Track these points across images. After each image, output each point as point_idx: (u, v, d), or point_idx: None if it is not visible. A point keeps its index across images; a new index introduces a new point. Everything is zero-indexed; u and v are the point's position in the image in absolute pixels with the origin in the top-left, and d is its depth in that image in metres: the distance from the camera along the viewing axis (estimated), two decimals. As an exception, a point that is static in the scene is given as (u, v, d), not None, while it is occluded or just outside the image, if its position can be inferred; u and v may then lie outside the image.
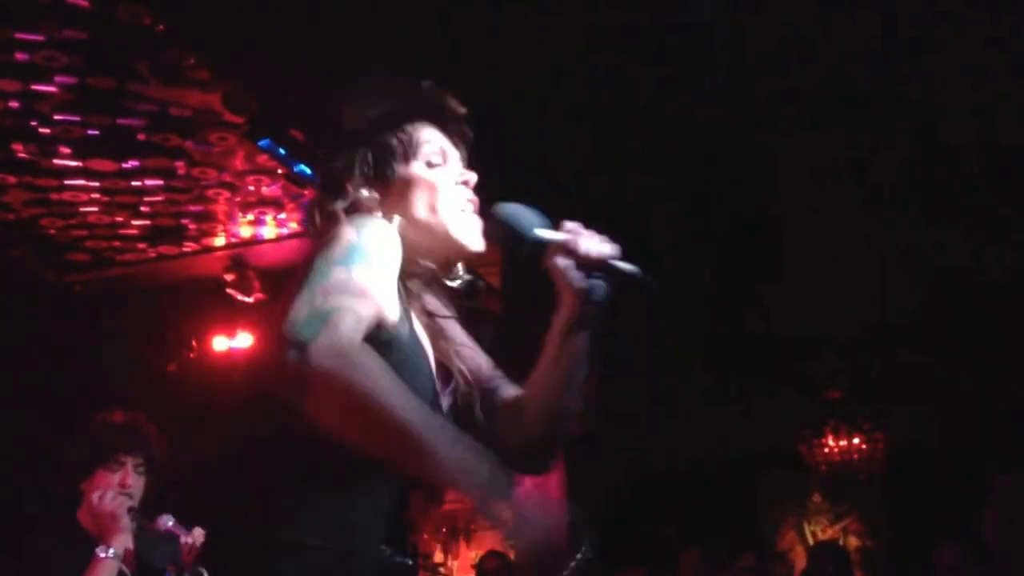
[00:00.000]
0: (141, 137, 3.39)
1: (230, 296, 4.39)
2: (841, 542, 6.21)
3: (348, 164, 1.36)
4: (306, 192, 3.47)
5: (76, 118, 3.24)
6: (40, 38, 2.84)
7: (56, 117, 3.22)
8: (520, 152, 3.52)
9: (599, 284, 1.31)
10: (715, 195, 4.07)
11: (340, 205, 1.32)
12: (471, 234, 1.37)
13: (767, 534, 6.78)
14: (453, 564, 7.24)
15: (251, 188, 3.83)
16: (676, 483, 6.36)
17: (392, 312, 1.22)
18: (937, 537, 3.26)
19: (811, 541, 6.51)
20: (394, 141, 1.38)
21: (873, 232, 4.30)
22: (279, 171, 3.59)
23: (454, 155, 1.42)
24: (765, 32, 3.18)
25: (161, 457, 2.30)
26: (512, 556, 5.97)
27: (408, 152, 1.38)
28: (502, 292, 4.18)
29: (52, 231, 4.04)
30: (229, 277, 4.37)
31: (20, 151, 3.43)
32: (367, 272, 1.16)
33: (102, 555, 2.09)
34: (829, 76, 3.38)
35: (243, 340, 4.62)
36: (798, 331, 5.18)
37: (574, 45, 3.18)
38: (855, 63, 3.31)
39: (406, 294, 1.32)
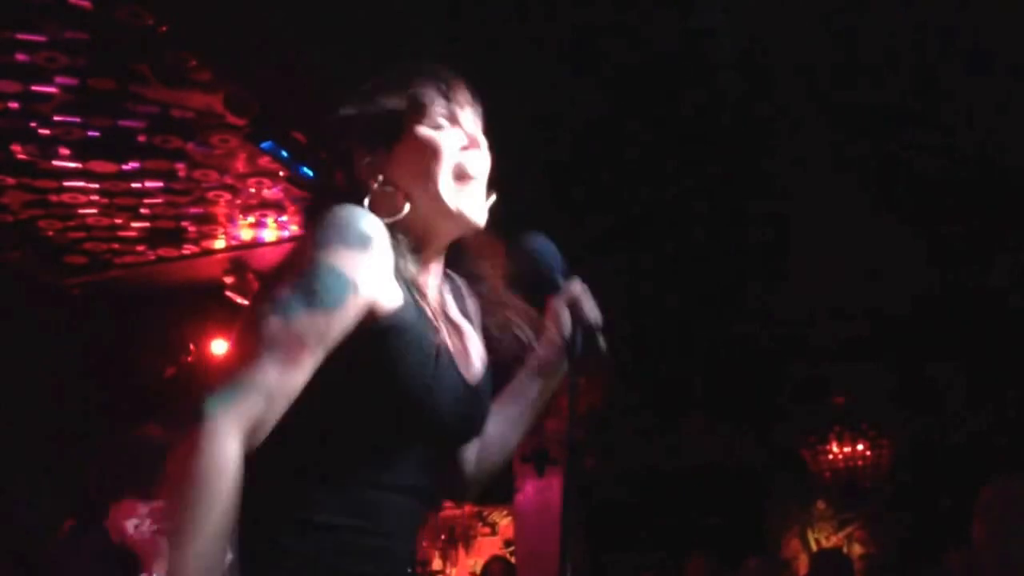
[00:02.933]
0: (142, 139, 3.36)
1: (230, 299, 4.37)
2: (845, 550, 6.19)
3: (349, 127, 1.28)
4: (308, 194, 3.45)
5: (76, 119, 3.22)
6: (41, 39, 2.81)
7: (56, 118, 3.20)
8: (526, 163, 3.51)
9: (583, 342, 1.33)
10: (719, 199, 4.06)
11: (343, 177, 1.26)
12: (473, 206, 1.27)
13: (771, 542, 6.77)
14: (452, 571, 7.22)
15: (252, 191, 3.81)
16: (680, 491, 6.35)
17: (388, 299, 1.15)
18: (943, 544, 3.25)
19: (815, 548, 6.50)
20: (397, 100, 1.29)
21: (878, 235, 4.29)
22: (281, 173, 3.57)
23: (466, 118, 1.29)
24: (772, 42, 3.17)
25: None
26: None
27: (412, 112, 1.27)
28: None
29: (50, 233, 4.01)
30: (229, 280, 4.35)
31: (19, 152, 3.40)
32: (311, 316, 1.08)
33: None
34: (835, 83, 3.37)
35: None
36: (801, 336, 5.17)
37: (575, 43, 3.17)
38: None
39: (417, 274, 1.23)
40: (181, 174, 3.64)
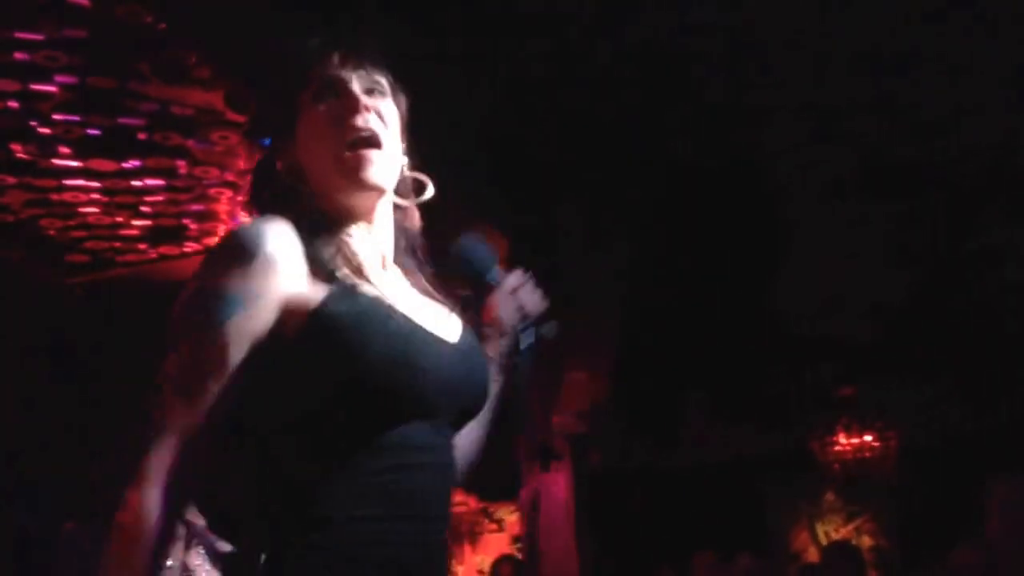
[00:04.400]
0: (142, 136, 3.35)
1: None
2: (854, 542, 6.18)
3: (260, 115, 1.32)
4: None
5: (76, 118, 3.20)
6: (40, 37, 2.80)
7: (56, 117, 3.18)
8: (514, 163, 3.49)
9: (528, 335, 1.36)
10: (721, 197, 4.05)
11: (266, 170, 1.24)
12: (357, 168, 1.20)
13: (780, 535, 6.76)
14: (459, 569, 7.20)
15: (253, 188, 3.80)
16: (687, 485, 6.34)
17: (309, 294, 1.13)
18: (951, 536, 3.23)
19: (824, 541, 6.48)
20: (283, 78, 1.26)
21: (880, 227, 4.27)
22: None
23: (357, 85, 1.22)
24: (765, 39, 3.15)
25: None
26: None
27: (297, 86, 1.22)
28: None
29: (52, 232, 4.00)
30: (231, 278, 4.33)
31: (19, 151, 3.39)
32: (195, 344, 1.11)
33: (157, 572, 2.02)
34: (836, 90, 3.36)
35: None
36: (808, 329, 5.16)
37: (573, 54, 3.16)
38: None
39: (347, 255, 1.20)
40: (182, 171, 3.63)
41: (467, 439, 1.35)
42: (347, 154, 1.20)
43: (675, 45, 3.14)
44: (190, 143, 3.42)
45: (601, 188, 3.86)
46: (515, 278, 1.39)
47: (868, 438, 5.74)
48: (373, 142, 1.22)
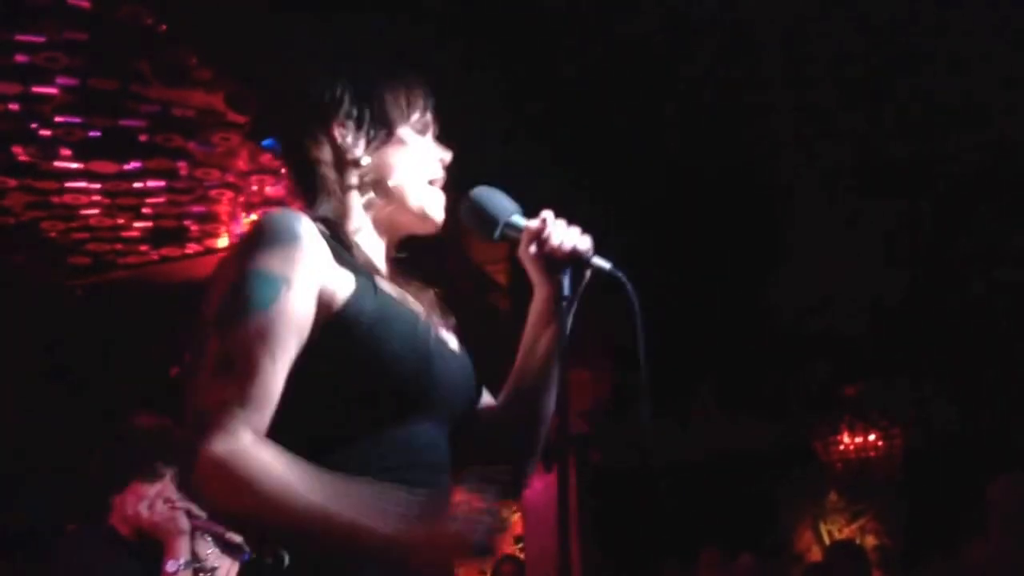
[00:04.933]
0: (143, 138, 3.34)
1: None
2: (858, 541, 6.16)
3: (334, 98, 1.28)
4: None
5: (77, 120, 3.20)
6: (41, 39, 2.80)
7: (57, 119, 3.18)
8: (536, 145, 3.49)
9: (567, 277, 1.25)
10: (722, 193, 4.04)
11: (315, 154, 1.26)
12: (438, 208, 1.32)
13: (784, 535, 6.74)
14: (460, 568, 7.22)
15: (254, 188, 3.79)
16: (690, 483, 6.33)
17: (339, 288, 1.15)
18: (956, 535, 3.22)
19: (828, 541, 6.47)
20: (394, 92, 1.30)
21: (884, 224, 4.27)
22: (283, 171, 3.54)
23: (431, 128, 1.35)
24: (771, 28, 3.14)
25: None
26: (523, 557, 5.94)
27: (405, 110, 1.30)
28: (510, 291, 4.14)
29: (53, 234, 4.00)
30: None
31: (21, 154, 3.39)
32: (246, 324, 1.08)
33: (172, 570, 1.98)
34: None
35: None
36: (811, 327, 5.15)
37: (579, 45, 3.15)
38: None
39: (372, 261, 1.25)
40: (183, 173, 3.62)
41: (519, 410, 1.33)
42: (430, 190, 1.31)
43: (671, 42, 3.14)
44: (191, 145, 3.42)
45: (598, 187, 3.85)
46: (540, 221, 1.28)
47: (872, 437, 5.72)
48: (443, 187, 1.34)
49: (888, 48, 3.20)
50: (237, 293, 1.11)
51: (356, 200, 1.28)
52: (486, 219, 1.30)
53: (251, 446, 1.05)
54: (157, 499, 2.06)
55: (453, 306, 1.35)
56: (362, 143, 1.29)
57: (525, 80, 3.28)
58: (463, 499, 1.08)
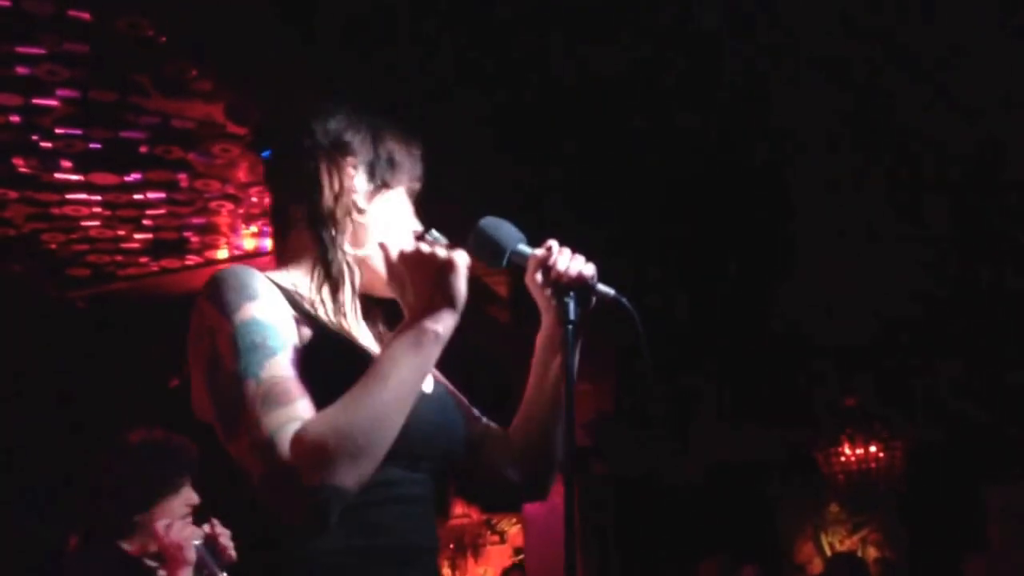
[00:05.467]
0: (143, 150, 3.34)
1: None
2: (860, 553, 6.13)
3: (356, 134, 1.32)
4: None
5: (78, 131, 3.20)
6: (41, 51, 2.80)
7: (57, 131, 3.18)
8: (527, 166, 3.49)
9: (573, 304, 1.28)
10: (727, 203, 4.03)
11: (320, 185, 1.28)
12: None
13: (784, 546, 6.71)
14: (461, 580, 7.17)
15: (254, 200, 3.79)
16: (691, 494, 6.31)
17: (300, 334, 1.18)
18: (958, 547, 3.21)
19: (829, 552, 6.43)
20: (393, 150, 1.33)
21: (888, 237, 4.26)
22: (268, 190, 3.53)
23: (410, 203, 1.38)
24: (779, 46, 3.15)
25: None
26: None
27: (399, 170, 1.34)
28: (510, 303, 4.14)
29: (53, 246, 4.00)
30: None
31: (21, 165, 3.39)
32: (273, 359, 1.12)
33: None
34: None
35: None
36: (811, 337, 5.13)
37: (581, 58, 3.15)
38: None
39: (334, 309, 1.27)
40: (183, 184, 3.62)
41: (531, 435, 1.36)
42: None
43: (679, 54, 3.14)
44: (191, 156, 3.42)
45: (603, 199, 3.85)
46: (545, 249, 1.32)
47: (873, 448, 5.69)
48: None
49: (903, 57, 3.20)
50: (249, 343, 1.13)
51: (339, 240, 1.30)
52: (493, 248, 1.33)
53: (306, 425, 1.08)
54: (176, 520, 2.07)
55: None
56: (366, 189, 1.32)
57: (526, 101, 3.28)
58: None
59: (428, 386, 1.28)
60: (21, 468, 3.93)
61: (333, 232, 1.28)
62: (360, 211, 1.30)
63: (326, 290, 1.27)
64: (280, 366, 1.11)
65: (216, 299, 1.18)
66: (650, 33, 3.02)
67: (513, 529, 7.40)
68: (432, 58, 2.99)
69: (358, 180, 1.31)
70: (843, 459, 5.73)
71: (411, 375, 1.10)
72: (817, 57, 3.17)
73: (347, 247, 1.30)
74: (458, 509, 7.12)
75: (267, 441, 1.06)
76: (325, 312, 1.26)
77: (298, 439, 1.05)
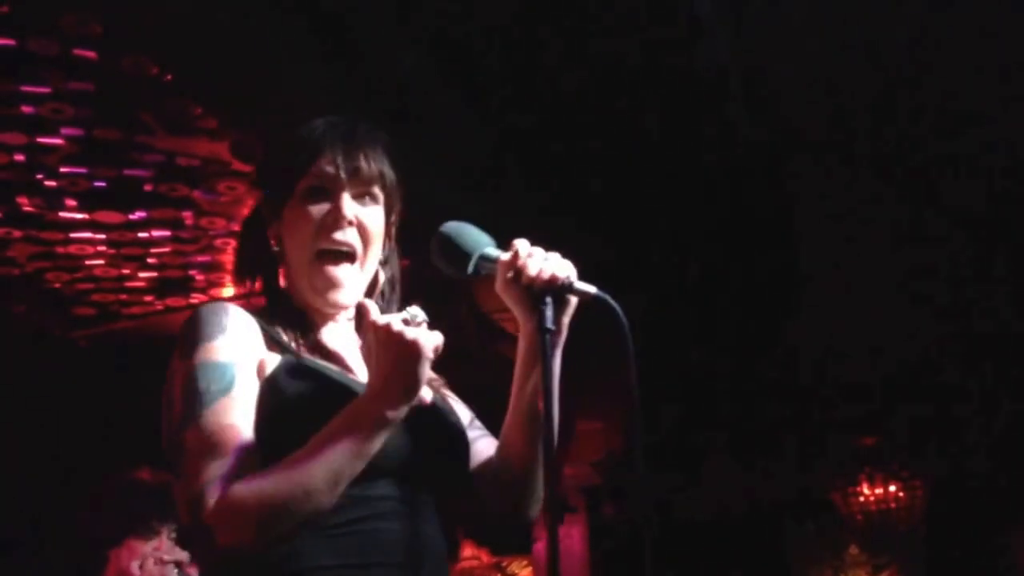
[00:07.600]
0: (148, 188, 3.33)
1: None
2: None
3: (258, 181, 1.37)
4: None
5: (82, 170, 3.20)
6: (47, 90, 2.80)
7: (62, 169, 3.18)
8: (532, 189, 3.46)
9: (549, 309, 1.15)
10: (737, 240, 3.99)
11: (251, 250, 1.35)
12: (326, 283, 1.27)
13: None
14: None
15: (260, 238, 3.77)
16: (705, 536, 6.17)
17: (270, 366, 1.19)
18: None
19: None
20: (277, 170, 1.32)
21: (902, 273, 4.20)
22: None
23: (348, 192, 1.26)
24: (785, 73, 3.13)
25: None
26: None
27: (295, 176, 1.28)
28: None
29: (57, 285, 3.98)
30: (237, 329, 4.29)
31: (26, 204, 3.38)
32: (215, 411, 1.12)
33: None
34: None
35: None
36: (829, 375, 5.05)
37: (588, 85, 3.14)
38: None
39: (304, 337, 1.28)
40: (188, 222, 3.61)
41: (510, 461, 1.30)
42: (318, 264, 1.26)
43: (691, 82, 3.12)
44: (196, 194, 3.41)
45: (611, 235, 3.81)
46: (515, 251, 1.19)
47: (892, 488, 5.56)
48: (347, 256, 1.26)
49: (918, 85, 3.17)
50: (196, 387, 1.14)
51: (272, 284, 1.35)
52: (457, 254, 1.21)
53: (234, 487, 1.09)
54: (150, 558, 2.04)
55: (460, 356, 1.29)
56: (271, 205, 1.33)
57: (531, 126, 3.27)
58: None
59: (427, 398, 1.22)
60: (22, 508, 3.87)
61: (263, 278, 1.34)
62: (273, 231, 1.32)
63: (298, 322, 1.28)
64: (224, 412, 1.12)
65: (180, 340, 1.20)
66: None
67: (524, 572, 7.26)
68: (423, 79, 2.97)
69: (266, 202, 1.33)
70: (862, 499, 5.59)
71: (346, 455, 1.08)
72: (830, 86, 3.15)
73: (282, 280, 1.32)
74: (467, 551, 7.00)
75: (195, 496, 1.08)
76: (305, 342, 1.25)
77: (222, 500, 1.07)
